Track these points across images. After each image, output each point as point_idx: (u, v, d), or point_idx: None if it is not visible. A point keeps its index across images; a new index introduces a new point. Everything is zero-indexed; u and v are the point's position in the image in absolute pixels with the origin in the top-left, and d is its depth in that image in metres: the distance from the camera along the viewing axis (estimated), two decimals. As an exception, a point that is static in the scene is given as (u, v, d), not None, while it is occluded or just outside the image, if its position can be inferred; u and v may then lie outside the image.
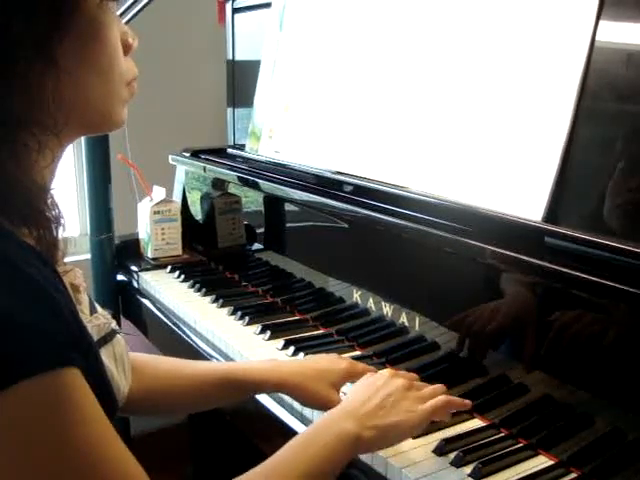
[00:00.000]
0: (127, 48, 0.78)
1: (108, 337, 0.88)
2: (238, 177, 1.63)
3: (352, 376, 1.04)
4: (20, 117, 0.67)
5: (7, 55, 0.66)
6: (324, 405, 0.99)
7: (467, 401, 0.96)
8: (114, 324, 0.90)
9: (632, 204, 0.94)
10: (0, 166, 0.66)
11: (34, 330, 0.62)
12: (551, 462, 0.94)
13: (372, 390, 0.89)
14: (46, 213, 0.71)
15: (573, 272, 0.89)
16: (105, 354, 0.85)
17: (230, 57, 1.94)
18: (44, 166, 0.72)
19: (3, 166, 0.67)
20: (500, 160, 1.07)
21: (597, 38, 0.99)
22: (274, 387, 1.04)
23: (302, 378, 1.02)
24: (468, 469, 0.92)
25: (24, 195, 0.68)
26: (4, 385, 0.60)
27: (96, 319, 0.86)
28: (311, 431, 0.86)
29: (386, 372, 0.94)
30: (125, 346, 0.92)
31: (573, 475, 0.91)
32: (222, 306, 1.48)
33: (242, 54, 1.92)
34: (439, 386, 0.95)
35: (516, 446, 0.97)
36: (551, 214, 0.99)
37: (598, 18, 0.99)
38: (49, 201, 0.72)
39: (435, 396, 0.91)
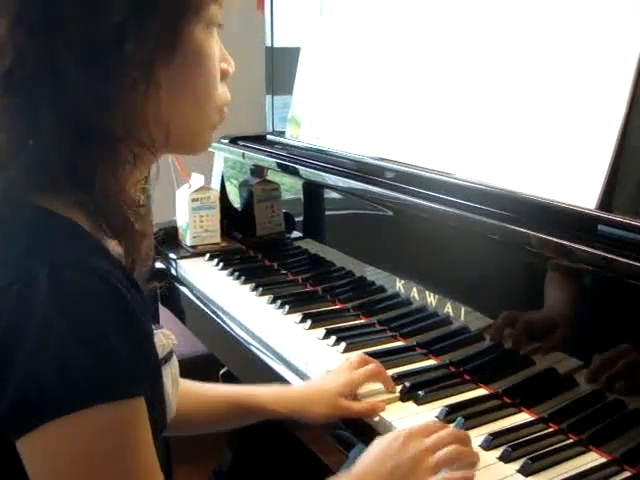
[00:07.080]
0: (224, 74, 0.79)
1: (168, 357, 0.89)
2: (277, 163, 1.61)
3: (352, 386, 1.05)
4: (121, 134, 0.68)
5: (115, 73, 0.67)
6: (328, 419, 1.04)
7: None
8: (174, 344, 0.90)
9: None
10: (100, 181, 0.68)
11: (120, 357, 0.63)
12: (603, 459, 0.90)
13: (383, 457, 0.86)
14: (135, 227, 0.72)
15: (628, 261, 0.86)
16: (164, 374, 0.85)
17: (269, 43, 1.91)
18: (136, 181, 0.74)
19: (103, 181, 0.68)
20: (552, 146, 1.03)
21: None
22: (281, 415, 1.06)
23: (307, 403, 1.05)
24: (517, 465, 0.89)
25: (120, 209, 0.70)
26: (80, 407, 0.61)
27: (160, 339, 0.86)
28: None
29: (403, 433, 0.88)
30: (178, 366, 0.93)
31: (627, 474, 0.87)
32: (261, 294, 1.47)
33: (281, 40, 1.89)
34: (455, 449, 0.87)
35: (566, 442, 0.94)
36: (605, 201, 0.95)
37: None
38: (137, 215, 0.73)
39: (449, 462, 0.86)
